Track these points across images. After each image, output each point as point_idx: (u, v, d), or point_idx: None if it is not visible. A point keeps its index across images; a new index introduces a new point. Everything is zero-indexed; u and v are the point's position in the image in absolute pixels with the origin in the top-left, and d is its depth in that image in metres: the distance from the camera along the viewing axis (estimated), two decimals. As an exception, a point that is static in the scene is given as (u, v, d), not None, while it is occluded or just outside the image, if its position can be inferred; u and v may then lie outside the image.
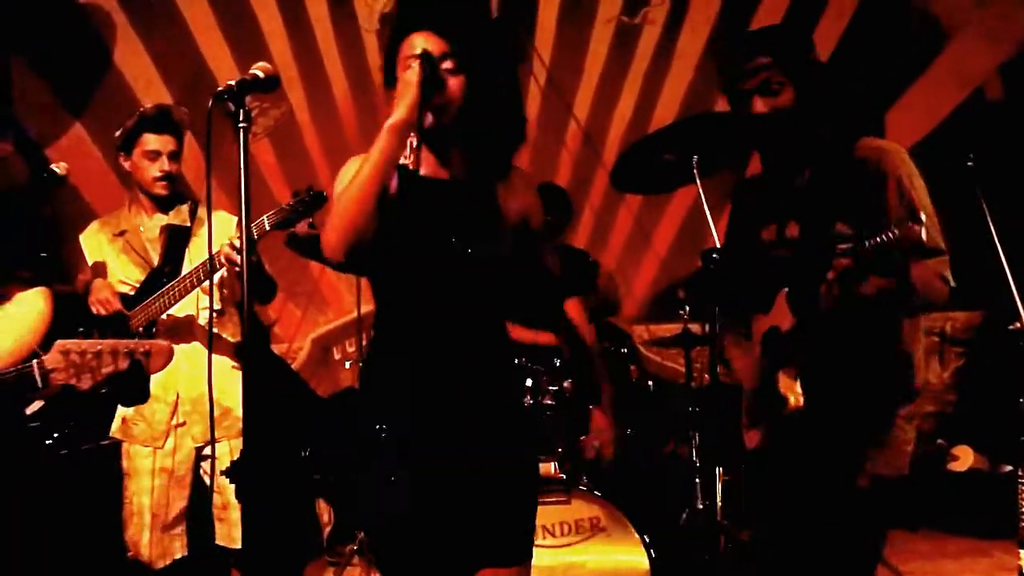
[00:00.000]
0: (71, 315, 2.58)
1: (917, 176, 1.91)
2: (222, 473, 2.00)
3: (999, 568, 3.40)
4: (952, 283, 1.88)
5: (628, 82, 4.56)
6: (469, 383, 1.67)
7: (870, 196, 1.86)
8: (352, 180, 1.60)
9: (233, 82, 1.56)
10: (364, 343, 3.20)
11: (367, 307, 2.91)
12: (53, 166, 2.67)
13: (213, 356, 2.07)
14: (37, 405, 3.05)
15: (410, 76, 1.61)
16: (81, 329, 2.57)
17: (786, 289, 1.92)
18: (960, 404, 4.52)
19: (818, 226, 1.89)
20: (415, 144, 1.70)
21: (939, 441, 4.26)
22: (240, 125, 1.55)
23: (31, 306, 2.18)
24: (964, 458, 4.09)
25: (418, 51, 1.65)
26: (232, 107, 1.55)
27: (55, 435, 2.99)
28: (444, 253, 1.66)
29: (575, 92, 4.56)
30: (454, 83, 1.66)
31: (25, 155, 4.11)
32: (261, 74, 1.59)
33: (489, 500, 1.65)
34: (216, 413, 1.99)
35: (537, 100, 4.50)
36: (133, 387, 2.44)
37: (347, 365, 4.32)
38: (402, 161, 1.67)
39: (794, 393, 1.91)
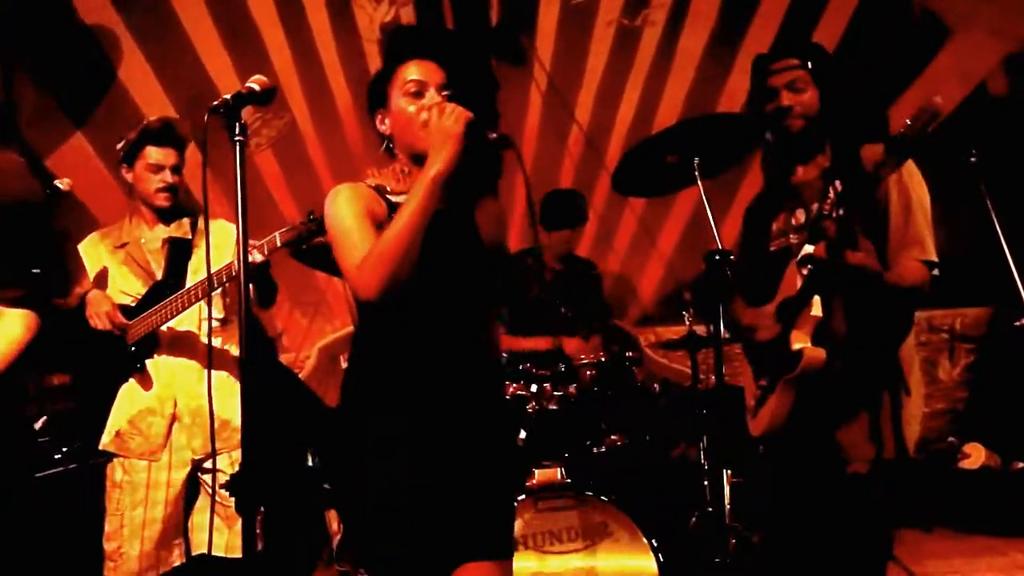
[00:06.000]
0: (64, 329, 2.57)
1: (915, 175, 2.09)
2: (222, 487, 2.00)
3: (1014, 567, 3.36)
4: (933, 264, 2.00)
5: (629, 84, 4.55)
6: (457, 392, 1.70)
7: (874, 203, 2.01)
8: (393, 227, 1.61)
9: (229, 96, 1.56)
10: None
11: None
12: (56, 182, 2.68)
13: (214, 369, 2.05)
14: (43, 420, 3.06)
15: (451, 127, 1.61)
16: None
17: (795, 259, 2.04)
18: (971, 401, 4.50)
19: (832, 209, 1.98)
20: (406, 171, 1.75)
21: (950, 439, 4.23)
22: (236, 139, 1.55)
23: (6, 329, 2.17)
24: (975, 456, 4.06)
25: (413, 76, 1.71)
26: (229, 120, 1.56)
27: (63, 449, 3.01)
28: (432, 274, 1.69)
29: (576, 95, 4.56)
30: None
31: (31, 169, 4.12)
32: (257, 87, 1.60)
33: (475, 496, 1.69)
34: (215, 425, 1.99)
35: (538, 104, 4.50)
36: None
37: (354, 374, 4.32)
38: (392, 187, 1.73)
39: (809, 347, 1.98)
